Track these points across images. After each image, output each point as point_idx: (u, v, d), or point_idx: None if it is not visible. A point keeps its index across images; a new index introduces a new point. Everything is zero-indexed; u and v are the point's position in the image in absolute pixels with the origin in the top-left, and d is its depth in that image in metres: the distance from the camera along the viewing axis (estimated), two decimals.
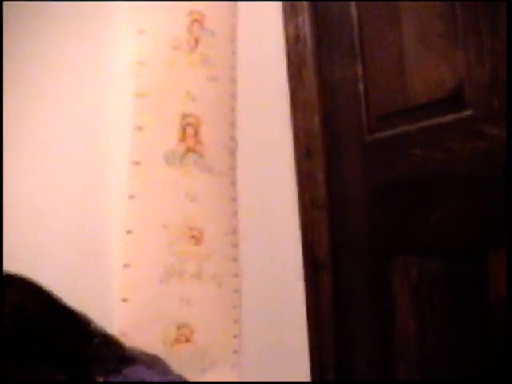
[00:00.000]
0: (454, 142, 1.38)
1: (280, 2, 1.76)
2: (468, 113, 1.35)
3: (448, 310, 1.41)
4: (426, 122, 1.44)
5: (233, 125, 1.66)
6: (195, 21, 1.59)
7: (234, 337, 1.62)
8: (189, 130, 1.54)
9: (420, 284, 1.46)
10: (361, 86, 1.60)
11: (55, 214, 1.34)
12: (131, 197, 1.43)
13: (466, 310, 1.37)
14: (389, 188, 1.53)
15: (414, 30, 1.48)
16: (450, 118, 1.39)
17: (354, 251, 1.63)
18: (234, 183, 1.65)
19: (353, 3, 1.62)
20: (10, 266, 1.27)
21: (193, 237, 1.54)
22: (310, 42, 1.70)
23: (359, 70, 1.61)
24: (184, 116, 1.54)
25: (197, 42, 1.58)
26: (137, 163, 1.44)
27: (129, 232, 1.43)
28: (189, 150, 1.54)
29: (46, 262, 1.35)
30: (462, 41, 1.37)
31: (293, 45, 1.74)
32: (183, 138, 1.53)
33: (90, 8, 1.41)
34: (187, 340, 1.52)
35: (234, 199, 1.64)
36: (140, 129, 1.45)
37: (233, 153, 1.65)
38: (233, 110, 1.66)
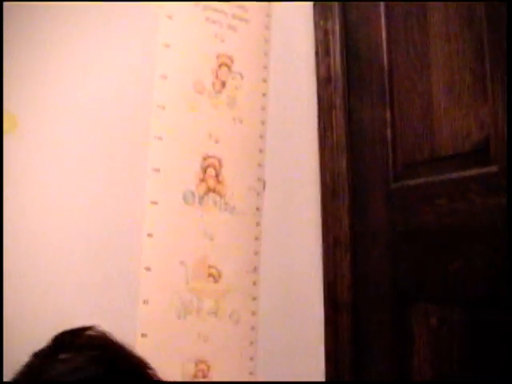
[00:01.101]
0: (477, 195, 1.38)
1: (313, 43, 1.78)
2: (493, 168, 1.35)
3: (466, 359, 1.40)
4: (452, 174, 1.45)
5: (260, 165, 1.69)
6: (223, 64, 1.62)
7: (250, 373, 1.65)
8: (210, 170, 1.58)
9: (439, 332, 1.46)
10: (388, 132, 1.62)
11: (72, 248, 1.40)
12: (149, 235, 1.48)
13: (485, 360, 1.36)
14: (412, 234, 1.55)
15: (443, 80, 1.49)
16: (475, 171, 1.40)
17: (374, 294, 1.65)
18: (258, 223, 1.67)
19: (384, 48, 1.64)
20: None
21: (211, 274, 1.58)
22: (340, 83, 1.73)
23: (388, 115, 1.63)
24: (205, 157, 1.58)
25: (223, 84, 1.61)
26: (154, 203, 1.49)
27: (147, 269, 1.47)
28: (209, 190, 1.58)
29: (63, 296, 1.41)
30: (490, 94, 1.36)
31: (323, 86, 1.78)
32: (203, 178, 1.57)
33: (110, 50, 1.47)
34: (204, 376, 1.56)
35: (257, 238, 1.66)
36: (157, 170, 1.49)
37: (259, 193, 1.68)
38: (260, 151, 1.69)
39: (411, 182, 1.56)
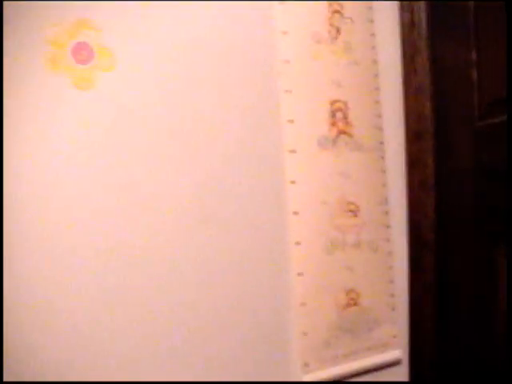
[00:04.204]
0: None
1: None
2: None
3: None
4: None
5: (378, 103, 1.78)
6: (335, 12, 1.69)
7: (391, 296, 1.77)
8: (338, 114, 1.68)
9: None
10: (474, 72, 1.65)
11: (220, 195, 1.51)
12: (292, 182, 1.59)
13: None
14: (497, 172, 1.56)
15: None
16: None
17: (458, 233, 1.71)
18: (383, 156, 1.79)
19: None
20: None
21: (350, 210, 1.69)
22: (424, 27, 1.75)
23: (473, 56, 1.64)
24: (332, 102, 1.67)
25: (338, 31, 1.69)
26: (293, 151, 1.60)
27: (295, 213, 1.59)
28: (340, 132, 1.68)
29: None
30: None
31: (407, 31, 1.80)
32: (334, 122, 1.67)
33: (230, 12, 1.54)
34: (355, 303, 1.70)
35: (383, 171, 1.78)
36: (291, 121, 1.60)
37: (380, 129, 1.78)
38: (377, 89, 1.78)
39: (497, 120, 1.58)
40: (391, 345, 1.78)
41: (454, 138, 1.71)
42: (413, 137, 1.81)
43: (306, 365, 1.61)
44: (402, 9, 1.83)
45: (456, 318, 1.73)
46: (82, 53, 1.33)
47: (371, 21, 1.78)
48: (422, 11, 1.78)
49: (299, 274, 1.60)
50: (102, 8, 1.37)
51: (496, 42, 1.57)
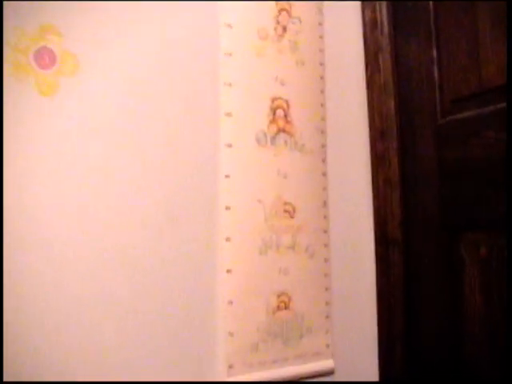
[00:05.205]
0: None
1: None
2: None
3: None
4: (499, 105, 1.47)
5: (323, 105, 1.77)
6: (282, 10, 1.69)
7: (326, 303, 1.74)
8: (279, 112, 1.66)
9: (489, 259, 1.50)
10: (435, 70, 1.67)
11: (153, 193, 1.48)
12: (227, 176, 1.57)
13: None
14: (460, 167, 1.58)
15: (488, 15, 1.51)
16: None
17: (424, 228, 1.70)
18: (324, 160, 1.76)
19: None
20: None
21: (286, 211, 1.66)
22: (386, 26, 1.78)
23: (434, 54, 1.67)
24: (273, 99, 1.66)
25: (284, 29, 1.69)
26: (229, 145, 1.58)
27: (227, 208, 1.56)
28: (279, 130, 1.66)
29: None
30: None
31: (370, 30, 1.83)
32: (273, 119, 1.65)
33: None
34: (286, 307, 1.65)
35: (324, 174, 1.75)
36: (229, 115, 1.58)
37: (323, 132, 1.76)
38: (322, 91, 1.77)
39: (459, 116, 1.60)
40: (324, 354, 1.74)
41: (418, 136, 1.73)
42: (377, 135, 1.83)
43: (231, 367, 1.56)
44: (364, 8, 1.87)
45: (425, 316, 1.71)
46: (45, 58, 1.33)
47: (320, 23, 1.78)
48: (384, 10, 1.82)
49: (228, 271, 1.56)
50: (65, 14, 1.38)
51: (456, 41, 1.61)
